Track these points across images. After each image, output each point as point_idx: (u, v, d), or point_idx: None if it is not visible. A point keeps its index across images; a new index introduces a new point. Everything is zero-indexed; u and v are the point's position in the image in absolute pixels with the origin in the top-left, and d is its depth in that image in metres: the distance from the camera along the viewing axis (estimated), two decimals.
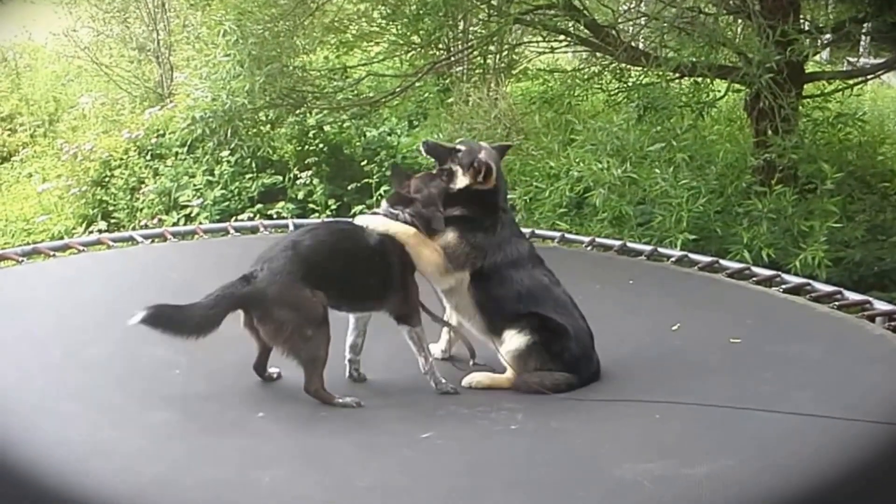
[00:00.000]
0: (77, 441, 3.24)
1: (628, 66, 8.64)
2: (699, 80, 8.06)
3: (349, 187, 10.30)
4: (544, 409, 3.53)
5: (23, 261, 5.46)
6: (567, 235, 6.28)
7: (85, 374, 3.84)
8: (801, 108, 7.96)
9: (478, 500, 2.90)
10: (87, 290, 5.08)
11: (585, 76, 8.92)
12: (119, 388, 3.73)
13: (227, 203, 10.07)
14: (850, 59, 11.48)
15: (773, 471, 3.06)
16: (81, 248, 5.86)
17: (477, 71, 11.18)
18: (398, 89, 10.35)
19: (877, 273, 7.41)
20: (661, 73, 7.82)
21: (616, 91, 8.75)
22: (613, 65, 8.79)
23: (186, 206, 10.00)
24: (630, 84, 8.57)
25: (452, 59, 10.90)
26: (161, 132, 11.29)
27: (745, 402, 3.54)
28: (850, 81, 8.48)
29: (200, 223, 9.20)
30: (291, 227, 6.41)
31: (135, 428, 3.35)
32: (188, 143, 10.73)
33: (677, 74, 7.98)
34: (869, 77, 9.08)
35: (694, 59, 7.50)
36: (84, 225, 10.39)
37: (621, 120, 7.70)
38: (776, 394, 3.66)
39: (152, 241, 6.16)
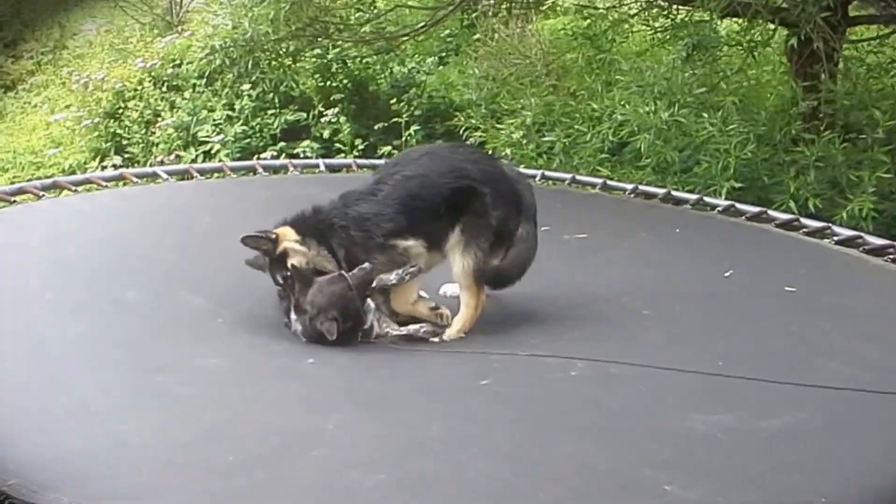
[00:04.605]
0: (127, 387, 3.35)
1: (676, 5, 8.68)
2: (751, 20, 8.11)
3: (375, 127, 10.41)
4: (600, 352, 3.61)
5: (43, 195, 5.52)
6: (609, 182, 6.38)
7: (125, 320, 3.93)
8: (852, 52, 8.05)
9: (548, 451, 2.99)
10: (116, 230, 5.14)
11: (631, 12, 8.95)
12: (163, 334, 3.83)
13: (248, 140, 10.22)
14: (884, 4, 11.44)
15: (848, 425, 3.17)
16: (104, 183, 5.94)
17: (504, 5, 11.23)
18: (421, 25, 10.36)
19: None
20: (710, 10, 7.87)
21: (662, 28, 8.80)
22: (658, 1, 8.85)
23: (205, 142, 10.14)
24: (678, 21, 8.61)
25: None
26: (178, 62, 11.40)
27: (809, 352, 3.69)
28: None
29: (221, 160, 9.37)
30: (322, 168, 6.60)
31: (185, 374, 3.44)
32: (206, 74, 10.83)
33: (727, 13, 8.04)
34: None
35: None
36: (98, 159, 10.53)
37: (669, 59, 7.78)
38: (840, 345, 3.79)
39: (178, 179, 6.31)
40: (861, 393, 3.28)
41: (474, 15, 11.38)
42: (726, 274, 4.62)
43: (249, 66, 10.20)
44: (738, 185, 6.93)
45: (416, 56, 11.74)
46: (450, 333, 3.94)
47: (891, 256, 4.82)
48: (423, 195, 3.99)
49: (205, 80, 10.91)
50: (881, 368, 3.56)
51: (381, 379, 3.58)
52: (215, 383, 3.43)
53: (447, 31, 12.04)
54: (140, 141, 10.68)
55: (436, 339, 3.89)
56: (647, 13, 8.77)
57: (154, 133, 10.66)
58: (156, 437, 2.99)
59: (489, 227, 4.02)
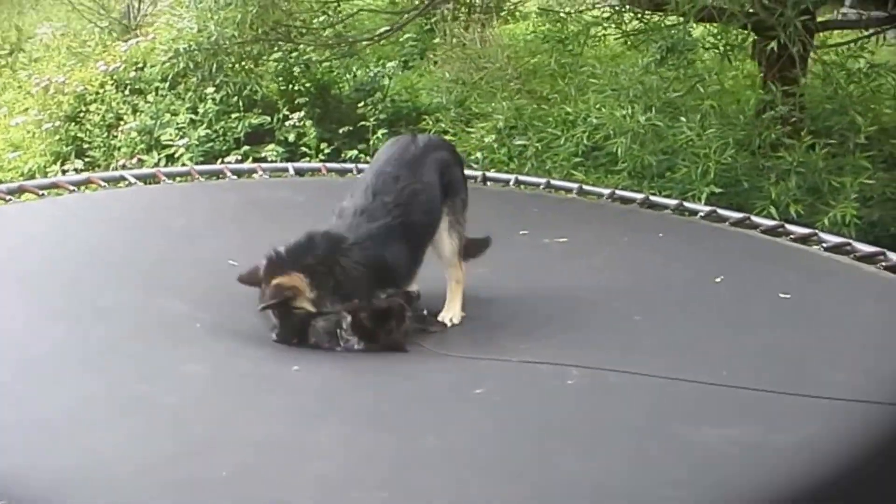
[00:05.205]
0: (108, 396, 3.18)
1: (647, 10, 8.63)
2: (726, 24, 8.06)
3: (340, 131, 10.31)
4: (596, 360, 3.50)
5: (10, 199, 5.40)
6: (585, 187, 6.30)
7: (102, 326, 3.79)
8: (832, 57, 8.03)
9: (557, 468, 2.84)
10: (86, 234, 5.02)
11: (605, 15, 8.88)
12: (141, 340, 3.68)
13: (211, 144, 10.03)
14: (843, 11, 11.53)
15: (865, 439, 3.05)
16: (72, 187, 5.80)
17: (462, 10, 11.21)
18: (385, 29, 10.42)
19: (892, 234, 7.39)
20: (685, 14, 7.80)
21: (634, 32, 8.73)
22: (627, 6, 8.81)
23: (169, 146, 9.95)
24: (651, 24, 8.54)
25: None
26: (140, 65, 11.22)
27: (815, 362, 3.59)
28: (865, 32, 8.53)
29: (184, 164, 9.22)
30: (291, 172, 6.48)
31: (167, 382, 3.31)
32: (170, 77, 10.67)
33: (702, 18, 7.98)
34: (884, 29, 9.07)
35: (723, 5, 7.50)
36: (59, 163, 10.33)
37: (644, 62, 7.73)
38: (845, 355, 3.69)
39: (145, 183, 6.17)
40: (875, 406, 3.17)
41: (434, 20, 11.34)
42: (717, 280, 4.52)
43: (213, 69, 10.19)
44: (717, 190, 6.84)
45: (380, 60, 11.68)
46: (453, 315, 3.95)
47: (883, 264, 4.74)
48: (426, 208, 3.99)
49: (168, 83, 10.70)
50: (891, 380, 3.44)
51: (370, 387, 3.46)
52: (200, 392, 3.30)
53: (409, 36, 12.06)
54: (102, 145, 10.46)
55: (443, 324, 3.89)
56: (619, 17, 8.70)
57: (116, 137, 10.46)
58: (141, 449, 2.83)
59: (463, 201, 4.18)
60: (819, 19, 8.35)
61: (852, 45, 7.95)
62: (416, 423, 3.12)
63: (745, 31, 7.87)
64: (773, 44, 7.22)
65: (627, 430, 3.10)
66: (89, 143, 10.56)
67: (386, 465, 2.83)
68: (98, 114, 10.68)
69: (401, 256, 3.84)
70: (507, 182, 6.37)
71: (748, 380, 3.34)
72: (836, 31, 8.90)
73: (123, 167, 9.40)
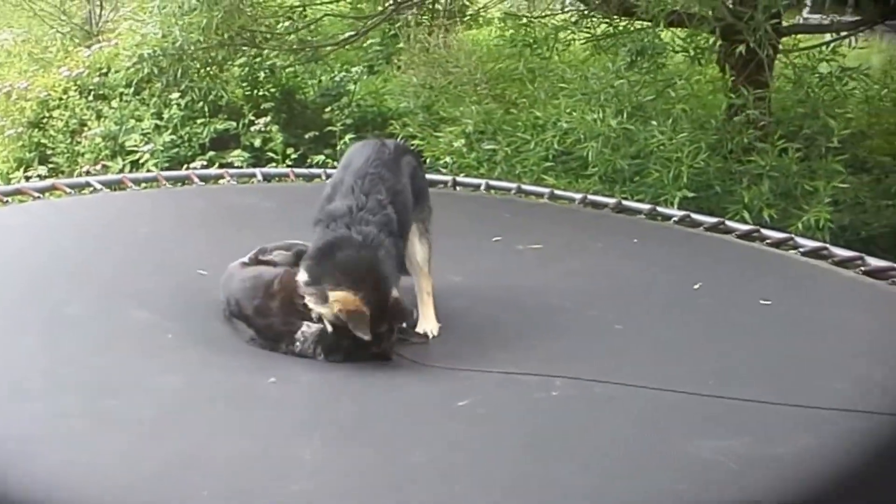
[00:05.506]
0: (80, 411, 3.06)
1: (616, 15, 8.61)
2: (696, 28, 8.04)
3: (305, 136, 10.28)
4: (579, 370, 3.41)
5: None
6: (557, 192, 6.25)
7: (70, 336, 3.66)
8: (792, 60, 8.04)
9: (547, 484, 2.75)
10: (51, 242, 4.89)
11: (573, 19, 8.84)
12: (112, 351, 3.56)
13: (176, 149, 9.96)
14: (805, 16, 11.64)
15: (866, 450, 2.98)
16: (37, 194, 5.68)
17: (425, 15, 11.19)
18: (350, 34, 10.44)
19: (863, 238, 7.43)
20: (654, 18, 7.77)
21: (603, 36, 8.70)
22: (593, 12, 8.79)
23: (133, 152, 9.85)
24: (620, 29, 8.51)
25: (400, 3, 10.86)
26: (104, 70, 11.11)
27: (806, 370, 3.53)
28: (827, 37, 8.58)
29: (149, 170, 9.15)
30: (259, 177, 6.39)
31: (141, 395, 3.19)
32: (134, 83, 10.59)
33: (671, 22, 7.95)
34: (851, 33, 9.11)
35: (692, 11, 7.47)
36: (22, 169, 10.21)
37: (615, 66, 7.69)
38: (835, 362, 3.63)
39: (112, 189, 6.05)
40: (869, 416, 3.10)
41: (398, 25, 11.31)
42: (695, 286, 4.45)
43: (178, 74, 10.14)
44: (690, 194, 6.81)
45: (345, 65, 11.65)
46: (432, 327, 3.87)
47: (862, 269, 4.72)
48: (405, 208, 3.89)
49: (132, 88, 10.61)
50: (885, 388, 3.37)
51: (350, 400, 3.35)
52: (175, 406, 3.17)
53: (374, 41, 12.00)
54: (65, 151, 10.35)
55: (425, 336, 3.79)
56: (587, 21, 8.68)
57: (80, 143, 10.35)
58: (117, 467, 2.72)
59: (430, 209, 4.13)
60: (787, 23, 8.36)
61: (823, 48, 7.95)
62: (402, 437, 3.02)
63: (713, 36, 7.85)
64: (742, 48, 7.20)
65: (619, 442, 3.01)
66: (53, 149, 10.46)
67: (375, 483, 2.73)
68: (62, 120, 10.59)
69: (400, 250, 3.77)
70: (477, 187, 6.33)
71: (737, 390, 3.27)
72: (800, 36, 8.90)
73: (88, 173, 9.33)
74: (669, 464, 2.86)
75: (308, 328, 3.61)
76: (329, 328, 3.54)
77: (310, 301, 3.55)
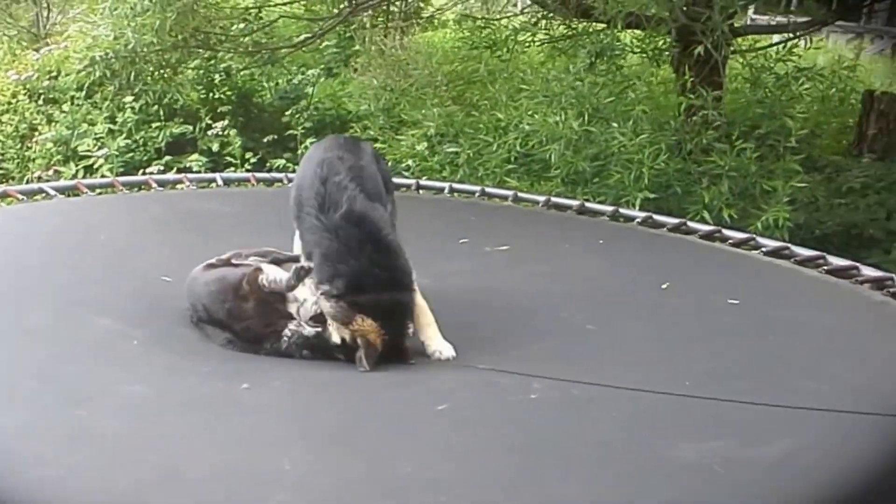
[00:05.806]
0: (48, 424, 2.94)
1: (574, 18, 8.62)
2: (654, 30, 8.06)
3: (264, 140, 10.22)
4: (555, 371, 3.36)
5: None
6: (521, 194, 6.25)
7: (33, 346, 3.53)
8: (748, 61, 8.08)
9: (536, 490, 2.66)
10: (6, 249, 4.75)
11: (532, 21, 8.84)
12: (76, 361, 3.45)
13: (131, 154, 9.90)
14: (752, 17, 11.75)
15: (848, 450, 2.94)
16: None
17: (380, 18, 11.18)
18: (307, 36, 10.38)
19: (817, 237, 7.49)
20: (612, 20, 7.78)
21: (562, 37, 8.70)
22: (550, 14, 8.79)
23: (87, 157, 9.76)
24: (579, 30, 8.52)
25: (357, 4, 10.80)
26: (54, 74, 10.98)
27: (781, 370, 3.49)
28: (776, 38, 8.66)
29: (103, 175, 9.04)
30: (219, 182, 6.31)
31: (110, 406, 3.07)
32: (86, 86, 10.48)
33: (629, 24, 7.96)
34: (805, 33, 9.17)
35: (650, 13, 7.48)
36: None
37: (574, 68, 7.69)
38: (809, 362, 3.59)
39: (66, 195, 5.94)
40: (849, 415, 3.07)
41: (353, 27, 11.28)
42: (663, 286, 4.43)
43: (132, 77, 10.00)
44: (651, 195, 6.81)
45: (302, 68, 11.64)
46: (446, 351, 3.66)
47: (825, 268, 4.73)
48: (374, 181, 3.85)
49: (84, 92, 10.51)
50: (859, 387, 3.34)
51: (327, 406, 3.27)
52: (146, 416, 3.04)
53: (330, 43, 11.98)
54: (15, 156, 10.27)
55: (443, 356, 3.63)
56: (546, 23, 8.67)
57: (31, 148, 10.23)
58: (89, 483, 2.60)
59: (394, 203, 4.06)
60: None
61: (780, 48, 8.00)
62: (385, 445, 2.92)
63: (669, 37, 7.87)
64: (700, 48, 7.21)
65: (604, 446, 2.95)
66: (2, 154, 10.40)
67: (361, 495, 2.63)
68: (11, 124, 10.51)
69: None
70: (441, 190, 6.30)
71: (715, 390, 3.23)
72: (752, 36, 8.98)
73: (39, 179, 9.20)
74: (655, 467, 2.79)
75: (297, 327, 3.58)
76: (336, 338, 3.53)
77: (328, 311, 3.51)
